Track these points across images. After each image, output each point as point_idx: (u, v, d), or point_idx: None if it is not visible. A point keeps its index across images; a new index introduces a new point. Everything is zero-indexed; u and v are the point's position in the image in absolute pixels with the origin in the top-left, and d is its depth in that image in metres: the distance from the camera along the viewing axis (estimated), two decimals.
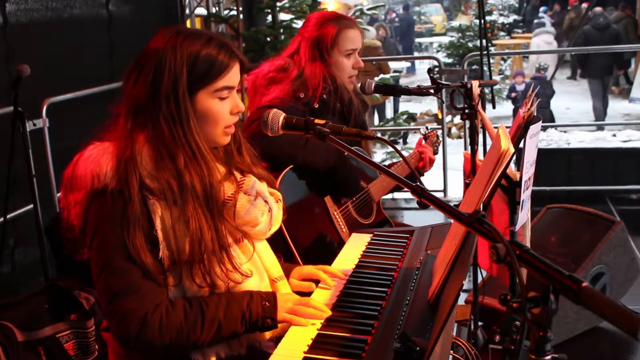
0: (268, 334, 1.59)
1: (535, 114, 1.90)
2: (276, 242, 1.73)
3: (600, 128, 6.87)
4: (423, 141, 2.79)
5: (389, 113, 10.07)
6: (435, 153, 2.82)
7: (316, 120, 1.59)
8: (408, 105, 11.03)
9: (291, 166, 2.29)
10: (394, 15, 19.42)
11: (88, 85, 4.05)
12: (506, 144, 1.29)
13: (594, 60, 9.83)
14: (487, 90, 3.11)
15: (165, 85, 1.47)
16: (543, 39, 11.82)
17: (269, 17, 6.42)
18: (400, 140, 9.44)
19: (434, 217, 4.07)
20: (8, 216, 3.22)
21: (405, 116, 7.60)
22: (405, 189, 1.34)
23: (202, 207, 1.48)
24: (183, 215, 1.46)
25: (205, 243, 1.46)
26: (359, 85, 2.55)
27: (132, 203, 1.42)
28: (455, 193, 5.37)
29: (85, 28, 4.37)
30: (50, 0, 3.97)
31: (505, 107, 10.38)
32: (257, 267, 1.61)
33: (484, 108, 2.36)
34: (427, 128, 2.89)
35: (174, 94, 1.48)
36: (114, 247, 1.42)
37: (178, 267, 1.47)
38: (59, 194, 3.55)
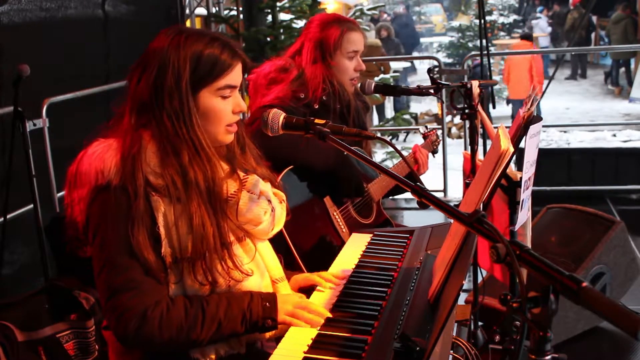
0: (268, 334, 1.59)
1: (535, 114, 1.90)
2: (276, 242, 1.73)
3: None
4: (422, 140, 2.78)
5: (389, 113, 10.07)
6: (435, 152, 2.80)
7: (316, 120, 1.59)
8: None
9: (291, 167, 2.29)
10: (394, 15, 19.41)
11: (86, 86, 4.04)
12: (506, 144, 1.29)
13: None
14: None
15: (169, 82, 1.48)
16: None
17: (269, 17, 6.41)
18: (401, 141, 9.45)
19: (434, 217, 4.08)
20: (8, 216, 3.22)
21: (404, 116, 7.60)
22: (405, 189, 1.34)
23: (205, 203, 1.49)
24: (186, 212, 1.46)
25: (208, 239, 1.47)
26: (359, 85, 2.55)
27: (136, 199, 1.43)
28: (455, 193, 5.37)
29: (81, 28, 4.35)
30: (44, 1, 3.96)
31: (505, 107, 10.39)
32: (258, 267, 1.61)
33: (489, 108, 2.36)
34: (426, 127, 2.88)
35: (178, 91, 1.49)
36: (116, 244, 1.42)
37: (180, 264, 1.47)
38: (59, 194, 3.57)
